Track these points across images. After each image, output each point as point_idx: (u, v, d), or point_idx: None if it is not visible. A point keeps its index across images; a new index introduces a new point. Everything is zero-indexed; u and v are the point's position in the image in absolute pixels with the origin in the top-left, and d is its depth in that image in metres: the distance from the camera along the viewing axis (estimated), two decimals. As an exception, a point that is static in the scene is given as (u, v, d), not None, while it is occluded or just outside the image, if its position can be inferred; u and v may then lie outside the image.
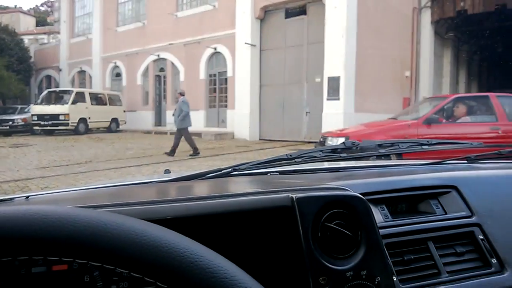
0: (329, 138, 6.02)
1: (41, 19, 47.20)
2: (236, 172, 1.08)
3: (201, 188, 1.00)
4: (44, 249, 0.35)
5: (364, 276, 0.66)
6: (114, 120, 18.06)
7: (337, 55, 11.68)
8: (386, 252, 0.72)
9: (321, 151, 1.11)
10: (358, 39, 11.90)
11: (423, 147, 1.22)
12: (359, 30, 11.90)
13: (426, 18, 14.43)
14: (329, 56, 11.90)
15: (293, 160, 1.07)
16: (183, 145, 9.76)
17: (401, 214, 0.88)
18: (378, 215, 0.83)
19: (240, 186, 1.02)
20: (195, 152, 9.70)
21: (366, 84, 12.21)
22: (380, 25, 12.70)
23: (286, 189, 0.71)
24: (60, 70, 23.88)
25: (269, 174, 1.15)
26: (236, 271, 0.38)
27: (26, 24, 42.19)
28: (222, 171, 1.06)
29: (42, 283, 0.60)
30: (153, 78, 18.71)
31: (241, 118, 14.13)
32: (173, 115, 10.10)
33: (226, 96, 15.46)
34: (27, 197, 0.93)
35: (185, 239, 0.38)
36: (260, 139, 13.97)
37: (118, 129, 18.20)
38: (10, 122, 17.63)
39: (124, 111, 18.59)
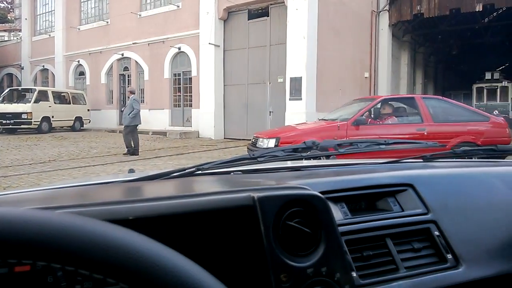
0: (260, 139, 6.07)
1: (2, 16, 45.54)
2: (200, 172, 1.08)
3: (164, 188, 1.00)
4: (2, 251, 0.35)
5: (324, 273, 0.67)
6: (78, 119, 17.81)
7: (299, 56, 12.01)
8: (346, 249, 0.74)
9: (282, 150, 1.14)
10: (319, 40, 12.27)
11: (381, 146, 1.25)
12: (320, 32, 12.27)
13: (384, 21, 15.01)
14: (291, 57, 12.21)
15: (256, 160, 1.09)
16: (148, 144, 9.79)
17: (360, 211, 0.90)
18: (338, 212, 0.85)
19: (204, 185, 1.02)
20: (133, 153, 9.61)
21: (327, 84, 12.60)
22: (340, 27, 13.14)
23: (248, 189, 0.71)
24: (22, 68, 23.23)
25: (232, 173, 1.16)
26: (199, 271, 0.38)
27: (-16, 20, 40.60)
28: (186, 171, 1.06)
29: (4, 284, 0.57)
30: (117, 77, 18.53)
31: (205, 117, 14.29)
32: (122, 110, 10.09)
33: (191, 96, 15.55)
34: None
35: (148, 240, 0.38)
36: (224, 138, 14.17)
37: (82, 127, 17.94)
38: (-30, 121, 17.06)
39: (88, 110, 18.34)
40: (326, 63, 12.56)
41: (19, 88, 19.15)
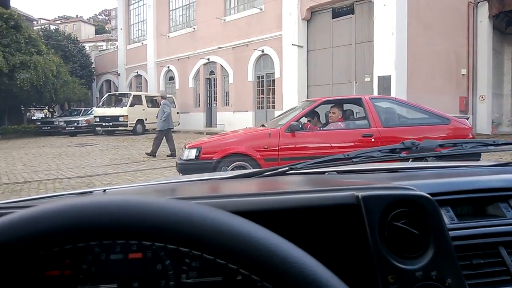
0: (184, 149, 5.51)
1: (100, 27, 49.78)
2: (293, 171, 1.08)
3: (265, 185, 1.02)
4: (145, 236, 0.37)
5: (434, 277, 0.65)
6: (168, 121, 18.81)
7: (387, 54, 11.44)
8: (455, 255, 0.70)
9: (379, 151, 1.11)
10: (409, 36, 11.57)
11: (489, 147, 1.17)
12: (409, 27, 11.57)
13: (484, 12, 13.75)
14: (378, 55, 11.68)
15: (351, 160, 1.07)
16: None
17: (467, 216, 0.84)
18: (443, 216, 0.80)
19: (302, 184, 1.02)
20: (172, 154, 9.79)
21: (418, 82, 11.85)
22: (432, 21, 12.28)
23: (351, 188, 0.71)
24: (119, 74, 25.15)
25: (326, 173, 1.15)
26: (311, 260, 0.39)
27: (86, 32, 44.71)
28: (279, 170, 1.07)
29: (119, 268, 0.66)
30: (203, 81, 19.24)
31: (289, 119, 14.20)
32: (156, 117, 10.32)
33: (274, 97, 15.60)
34: (104, 190, 1.01)
35: (267, 231, 0.40)
36: (308, 140, 13.97)
37: (172, 130, 18.91)
38: (75, 124, 19.12)
39: (178, 113, 19.25)
40: (417, 60, 11.80)
41: (116, 93, 20.73)
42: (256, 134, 5.67)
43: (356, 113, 6.63)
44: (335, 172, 1.15)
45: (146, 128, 17.95)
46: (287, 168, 1.06)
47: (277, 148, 5.25)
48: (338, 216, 0.67)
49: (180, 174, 5.27)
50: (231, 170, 5.08)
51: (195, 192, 0.96)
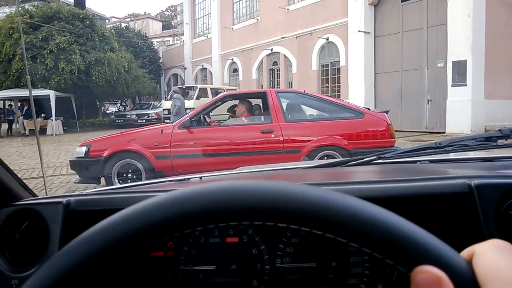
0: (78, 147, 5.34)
1: (167, 23, 51.56)
2: (381, 161, 1.05)
3: (361, 174, 1.00)
4: (291, 219, 0.39)
5: None
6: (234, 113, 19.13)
7: (463, 37, 10.68)
8: None
9: (473, 139, 1.06)
10: (488, 17, 10.70)
11: None
12: (488, 7, 10.70)
13: None
14: (453, 39, 10.94)
15: (443, 149, 1.03)
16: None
17: None
18: None
19: (403, 173, 0.97)
20: None
21: (498, 67, 10.95)
22: (515, -1, 11.26)
23: (460, 176, 0.69)
24: (185, 68, 25.95)
25: (418, 162, 1.11)
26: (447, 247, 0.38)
27: (154, 28, 46.53)
28: (365, 159, 1.05)
29: (217, 251, 0.71)
30: (266, 71, 19.26)
31: (355, 109, 13.81)
32: (169, 113, 10.39)
33: (339, 86, 15.24)
34: (201, 177, 1.05)
35: (398, 217, 0.40)
36: (375, 130, 13.50)
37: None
38: (146, 116, 20.16)
39: (242, 104, 19.52)
40: (497, 43, 10.89)
41: (183, 86, 21.40)
42: (149, 131, 5.52)
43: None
44: (427, 162, 1.09)
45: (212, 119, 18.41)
46: (374, 157, 1.04)
47: (168, 146, 5.07)
48: (449, 205, 0.66)
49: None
50: (121, 166, 5.17)
51: (311, 178, 0.96)
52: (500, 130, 1.06)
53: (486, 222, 0.63)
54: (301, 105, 5.71)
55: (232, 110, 5.95)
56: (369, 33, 13.47)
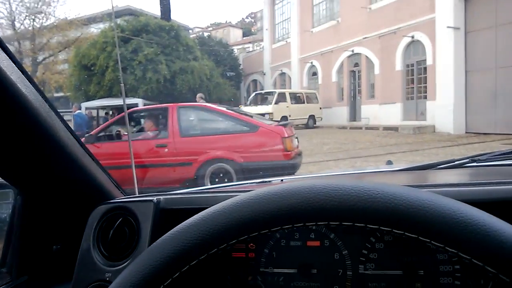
0: None
1: (247, 30, 52.82)
2: (475, 164, 1.01)
3: (461, 176, 0.98)
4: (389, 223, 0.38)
5: None
6: (311, 117, 18.91)
7: None
8: None
9: None
10: None
11: None
12: None
13: None
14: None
15: None
16: (379, 140, 9.49)
17: None
18: None
19: (497, 176, 0.93)
20: None
21: None
22: None
23: None
24: (264, 74, 26.33)
25: None
26: None
27: (235, 35, 47.88)
28: (456, 162, 1.02)
29: (298, 254, 0.72)
30: (347, 74, 18.83)
31: (443, 110, 12.92)
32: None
33: (425, 87, 14.38)
34: (282, 180, 1.07)
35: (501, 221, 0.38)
36: (466, 133, 12.51)
37: (315, 125, 18.98)
38: (225, 122, 20.50)
39: (320, 108, 19.24)
40: None
41: (262, 91, 21.71)
42: None
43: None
44: None
45: (290, 123, 18.38)
46: (468, 160, 1.02)
47: None
48: None
49: None
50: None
51: (406, 181, 0.95)
52: None
53: None
54: (201, 120, 5.92)
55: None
56: (459, 28, 12.56)
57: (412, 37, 14.59)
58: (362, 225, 0.39)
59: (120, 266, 0.74)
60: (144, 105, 19.38)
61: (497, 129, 11.54)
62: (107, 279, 0.73)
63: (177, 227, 0.43)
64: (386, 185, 0.40)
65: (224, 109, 6.11)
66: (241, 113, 6.17)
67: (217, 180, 5.16)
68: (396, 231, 0.38)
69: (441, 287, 0.66)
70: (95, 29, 25.26)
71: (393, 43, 15.45)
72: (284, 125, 5.60)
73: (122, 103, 2.09)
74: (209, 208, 0.43)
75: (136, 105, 18.61)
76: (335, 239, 0.71)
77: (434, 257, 0.67)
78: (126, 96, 18.04)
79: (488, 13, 11.97)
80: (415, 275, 0.67)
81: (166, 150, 5.36)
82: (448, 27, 12.53)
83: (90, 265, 0.75)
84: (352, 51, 17.99)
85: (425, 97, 14.37)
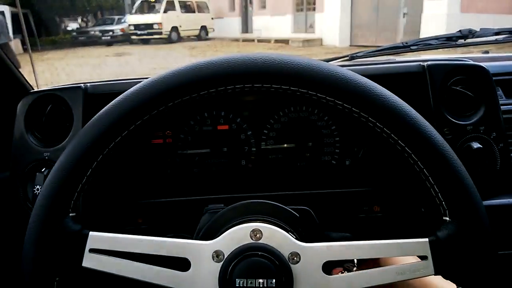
0: None
1: None
2: (355, 59, 1.16)
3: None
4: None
5: (481, 131, 0.79)
6: (203, 28, 18.20)
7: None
8: (502, 116, 0.81)
9: (436, 39, 1.17)
10: None
11: None
12: None
13: None
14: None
15: (409, 48, 1.14)
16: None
17: None
18: None
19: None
20: None
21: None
22: None
23: (418, 59, 0.85)
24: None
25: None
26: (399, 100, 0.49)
27: None
28: (340, 58, 1.16)
29: (210, 137, 0.84)
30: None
31: (330, 23, 13.35)
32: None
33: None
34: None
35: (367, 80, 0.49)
36: (350, 45, 13.23)
37: (207, 36, 18.38)
38: (111, 33, 18.53)
39: (212, 18, 18.56)
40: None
41: (149, -1, 20.04)
42: None
43: None
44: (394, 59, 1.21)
45: (181, 35, 17.47)
46: (348, 57, 1.16)
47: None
48: (407, 82, 0.81)
49: None
50: None
51: None
52: (460, 30, 1.16)
53: (433, 95, 0.80)
54: None
55: None
56: None
57: None
58: (269, 85, 0.48)
59: (57, 146, 0.80)
60: (12, 14, 16.76)
61: (378, 41, 12.34)
62: (46, 158, 0.80)
63: (113, 100, 0.49)
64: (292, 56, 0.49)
65: None
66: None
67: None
68: (293, 88, 0.47)
69: (325, 155, 0.85)
70: None
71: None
72: None
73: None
74: (140, 83, 0.49)
75: (1, 13, 15.94)
76: (241, 123, 0.84)
77: (319, 132, 0.84)
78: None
79: None
80: (305, 146, 0.84)
81: None
82: None
83: (26, 148, 0.81)
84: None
85: (314, 9, 14.62)
